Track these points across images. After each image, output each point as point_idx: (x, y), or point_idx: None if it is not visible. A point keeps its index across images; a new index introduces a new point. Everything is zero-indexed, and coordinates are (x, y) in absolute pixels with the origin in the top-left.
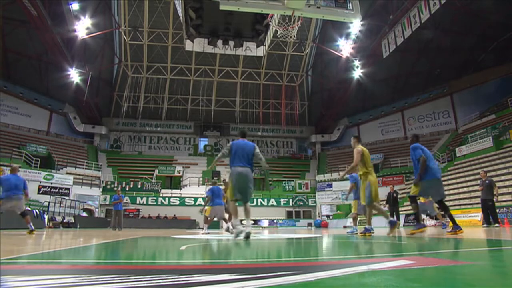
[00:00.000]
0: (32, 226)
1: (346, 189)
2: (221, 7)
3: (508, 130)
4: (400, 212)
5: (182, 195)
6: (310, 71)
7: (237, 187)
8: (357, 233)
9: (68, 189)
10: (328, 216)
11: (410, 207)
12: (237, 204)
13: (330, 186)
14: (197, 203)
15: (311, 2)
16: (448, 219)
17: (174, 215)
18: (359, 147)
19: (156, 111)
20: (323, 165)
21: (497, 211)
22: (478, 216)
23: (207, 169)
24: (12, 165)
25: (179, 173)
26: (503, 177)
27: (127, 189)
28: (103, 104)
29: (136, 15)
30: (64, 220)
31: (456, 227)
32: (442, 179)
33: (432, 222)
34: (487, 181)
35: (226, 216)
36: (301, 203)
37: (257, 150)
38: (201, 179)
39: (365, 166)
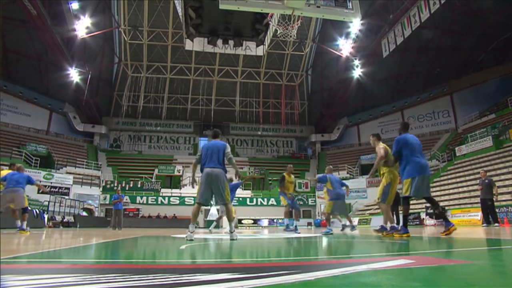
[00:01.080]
0: (25, 226)
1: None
2: (221, 7)
3: (508, 130)
4: (400, 212)
5: (182, 195)
6: (310, 70)
7: (205, 190)
8: (332, 233)
9: (68, 188)
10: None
11: (410, 207)
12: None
13: None
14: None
15: (311, 1)
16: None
17: (174, 214)
18: (382, 144)
19: (156, 110)
20: (323, 164)
21: (497, 210)
22: (478, 215)
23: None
24: (16, 164)
25: (179, 172)
26: (503, 177)
27: (127, 188)
28: (103, 104)
29: (136, 15)
30: (64, 220)
31: (449, 224)
32: (442, 178)
33: (432, 221)
34: (486, 181)
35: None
36: (301, 203)
37: (228, 150)
38: None
39: (387, 165)
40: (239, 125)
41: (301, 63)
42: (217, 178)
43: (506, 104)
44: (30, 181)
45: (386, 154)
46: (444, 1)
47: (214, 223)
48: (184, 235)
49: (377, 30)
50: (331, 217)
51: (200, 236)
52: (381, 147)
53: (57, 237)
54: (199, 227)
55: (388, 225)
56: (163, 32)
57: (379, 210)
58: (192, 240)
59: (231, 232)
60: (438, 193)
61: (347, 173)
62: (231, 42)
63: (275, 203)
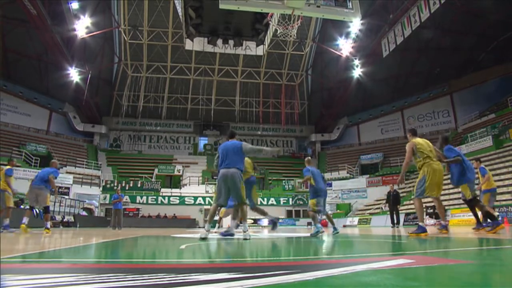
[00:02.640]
0: (49, 225)
1: (346, 188)
2: (221, 6)
3: (507, 129)
4: (400, 212)
5: (182, 194)
6: (310, 70)
7: (223, 191)
8: (323, 232)
9: (68, 188)
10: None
11: (410, 207)
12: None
13: (330, 185)
14: (197, 202)
15: (311, 1)
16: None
17: (174, 214)
18: (413, 140)
19: (156, 110)
20: (323, 164)
21: (496, 210)
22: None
23: (207, 168)
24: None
25: (179, 172)
26: (502, 176)
27: (127, 188)
28: (102, 103)
29: (136, 14)
30: (64, 219)
31: (496, 223)
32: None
33: (432, 221)
34: None
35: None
36: (301, 202)
37: (246, 147)
38: (201, 178)
39: (420, 159)
40: (239, 125)
41: (301, 63)
42: (232, 177)
43: (506, 104)
44: (51, 174)
45: (413, 152)
46: (444, 1)
47: (219, 224)
48: (184, 235)
49: (377, 30)
50: (317, 215)
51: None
52: (409, 144)
53: (57, 236)
54: (199, 227)
55: (430, 222)
56: (163, 32)
57: (378, 210)
58: (205, 238)
59: (244, 231)
60: None
61: (347, 172)
62: (231, 42)
63: (275, 203)
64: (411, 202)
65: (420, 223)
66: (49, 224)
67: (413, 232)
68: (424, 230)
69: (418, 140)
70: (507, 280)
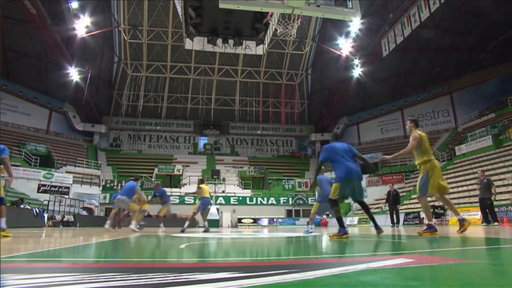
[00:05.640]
0: (3, 224)
1: None
2: (221, 6)
3: (507, 129)
4: (400, 211)
5: (182, 194)
6: (309, 69)
7: None
8: (312, 232)
9: (68, 187)
10: (327, 215)
11: (410, 206)
12: None
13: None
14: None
15: (311, 0)
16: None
17: (174, 213)
18: (417, 132)
19: (156, 109)
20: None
21: (496, 209)
22: (478, 215)
23: (206, 168)
24: None
25: (179, 171)
26: (502, 176)
27: None
28: (102, 103)
29: (136, 14)
30: (64, 219)
31: (343, 230)
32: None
33: (433, 221)
34: (485, 180)
35: None
36: (301, 202)
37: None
38: (200, 178)
39: (423, 155)
40: (239, 125)
41: (301, 62)
42: None
43: (505, 103)
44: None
45: (419, 144)
46: (444, 1)
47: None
48: (184, 235)
49: (377, 30)
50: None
51: (200, 235)
52: (416, 135)
53: (57, 236)
54: (199, 226)
55: (426, 221)
56: (163, 31)
57: (378, 210)
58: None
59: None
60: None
61: None
62: (231, 41)
63: (275, 202)
64: (411, 201)
65: (429, 222)
66: (3, 221)
67: (424, 231)
68: (435, 229)
69: (423, 133)
70: (506, 280)
